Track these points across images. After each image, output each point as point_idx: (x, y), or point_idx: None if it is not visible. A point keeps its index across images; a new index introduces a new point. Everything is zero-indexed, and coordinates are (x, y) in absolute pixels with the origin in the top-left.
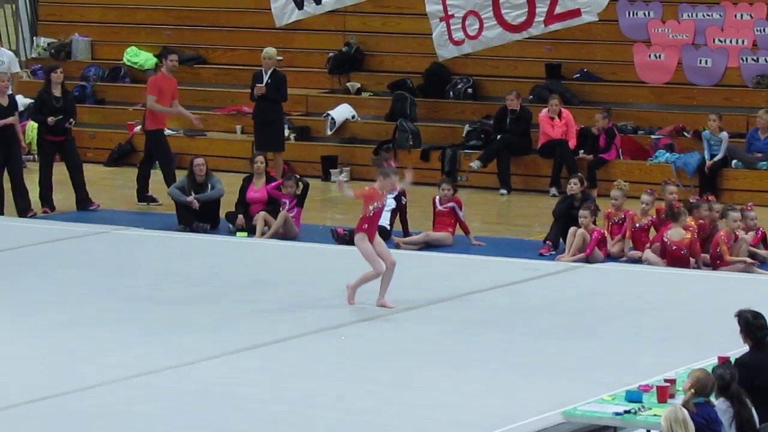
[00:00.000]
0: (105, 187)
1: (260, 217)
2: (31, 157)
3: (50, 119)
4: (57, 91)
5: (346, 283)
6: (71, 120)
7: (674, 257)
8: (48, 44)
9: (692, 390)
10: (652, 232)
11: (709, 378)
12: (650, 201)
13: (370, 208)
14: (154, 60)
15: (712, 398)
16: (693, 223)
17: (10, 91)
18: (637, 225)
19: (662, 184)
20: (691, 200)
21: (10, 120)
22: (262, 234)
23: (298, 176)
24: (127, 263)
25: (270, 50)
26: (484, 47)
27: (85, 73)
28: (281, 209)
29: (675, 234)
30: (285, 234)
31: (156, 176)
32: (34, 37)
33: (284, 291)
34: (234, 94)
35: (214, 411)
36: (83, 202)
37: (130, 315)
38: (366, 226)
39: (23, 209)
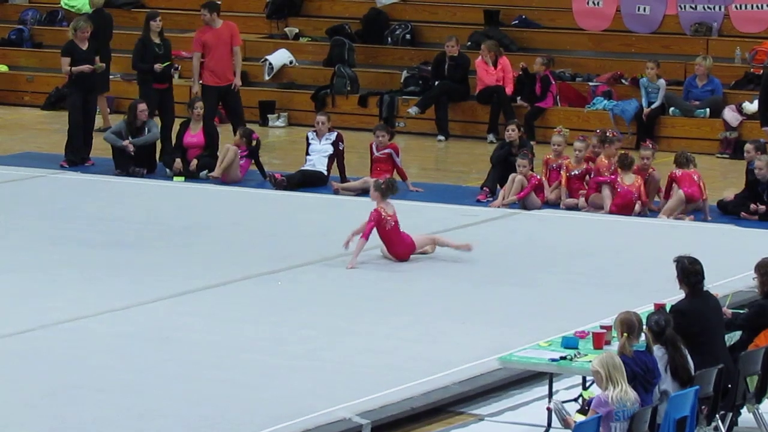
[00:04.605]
0: (42, 131)
1: (231, 150)
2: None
3: (157, 66)
4: (156, 38)
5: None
6: (177, 66)
7: (623, 199)
8: None
9: (625, 334)
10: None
11: (633, 315)
12: (583, 148)
13: (387, 228)
14: None
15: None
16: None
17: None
18: (573, 173)
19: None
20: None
21: (85, 67)
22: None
23: (251, 131)
24: (64, 207)
25: None
26: None
27: (23, 16)
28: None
29: (627, 178)
30: (227, 178)
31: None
32: None
33: (221, 236)
34: (174, 38)
35: (149, 355)
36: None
37: (66, 259)
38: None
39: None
